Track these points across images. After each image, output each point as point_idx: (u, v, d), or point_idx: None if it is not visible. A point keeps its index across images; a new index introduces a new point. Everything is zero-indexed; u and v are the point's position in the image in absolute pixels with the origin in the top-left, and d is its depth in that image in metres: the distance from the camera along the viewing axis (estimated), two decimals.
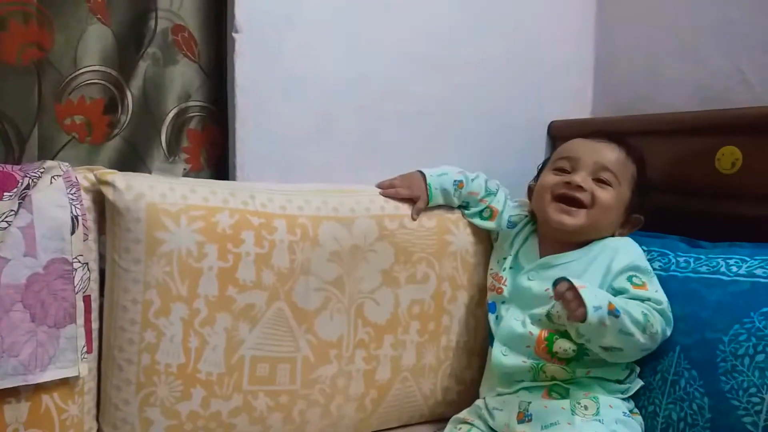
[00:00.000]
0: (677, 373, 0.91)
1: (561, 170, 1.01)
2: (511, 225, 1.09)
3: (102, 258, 0.91)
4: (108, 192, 0.88)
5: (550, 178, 1.02)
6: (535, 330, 0.95)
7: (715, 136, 1.08)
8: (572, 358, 0.93)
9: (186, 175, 1.14)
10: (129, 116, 1.10)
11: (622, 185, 0.99)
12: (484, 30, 1.31)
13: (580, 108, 1.44)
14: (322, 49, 1.17)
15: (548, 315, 0.95)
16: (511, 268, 1.03)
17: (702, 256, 0.98)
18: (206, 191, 0.94)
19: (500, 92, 1.35)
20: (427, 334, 1.09)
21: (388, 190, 1.08)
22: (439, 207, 1.11)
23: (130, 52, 1.10)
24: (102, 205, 0.90)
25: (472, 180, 1.10)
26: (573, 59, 1.43)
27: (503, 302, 1.02)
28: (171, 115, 1.13)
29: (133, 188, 0.88)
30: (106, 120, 1.09)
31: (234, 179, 1.12)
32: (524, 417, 0.92)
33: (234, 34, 1.11)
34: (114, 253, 0.89)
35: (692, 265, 0.98)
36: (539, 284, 0.98)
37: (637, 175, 1.02)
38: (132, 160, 1.10)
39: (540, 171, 1.09)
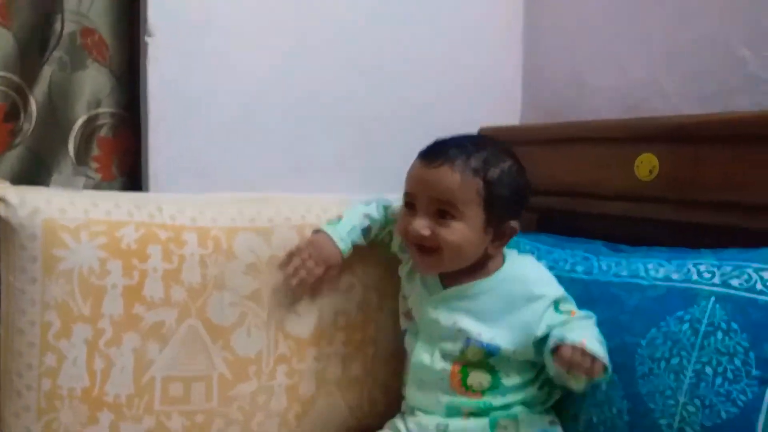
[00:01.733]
0: None
1: (409, 206, 0.93)
2: (403, 250, 1.02)
3: None
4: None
5: (402, 220, 0.94)
6: (447, 365, 0.92)
7: (634, 143, 1.09)
8: (487, 389, 0.91)
9: (97, 185, 1.09)
10: (33, 124, 1.05)
11: (467, 210, 0.88)
12: (412, 34, 1.30)
13: (509, 114, 1.44)
14: (241, 51, 1.14)
15: (461, 352, 0.91)
16: (412, 295, 0.99)
17: (623, 260, 0.98)
18: (109, 204, 0.89)
19: (428, 96, 1.33)
20: (352, 345, 1.06)
21: (299, 271, 0.97)
22: None
23: (33, 57, 1.05)
24: None
25: (375, 218, 1.03)
26: (502, 65, 1.42)
27: (414, 333, 0.97)
28: (80, 122, 1.08)
29: (28, 203, 0.83)
30: (8, 128, 1.03)
31: (148, 189, 1.07)
32: None
33: (147, 38, 1.07)
34: (8, 273, 0.83)
35: (614, 269, 0.98)
36: (447, 317, 0.92)
37: (486, 187, 0.89)
38: (37, 170, 1.05)
39: None
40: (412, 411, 0.95)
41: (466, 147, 0.92)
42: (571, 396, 0.93)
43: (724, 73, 1.09)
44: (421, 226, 0.90)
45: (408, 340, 0.98)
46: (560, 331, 0.85)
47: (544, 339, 0.88)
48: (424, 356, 0.93)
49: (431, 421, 0.92)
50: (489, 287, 0.93)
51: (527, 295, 0.91)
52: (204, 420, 0.94)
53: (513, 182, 0.92)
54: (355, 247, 1.02)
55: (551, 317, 0.89)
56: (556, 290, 0.93)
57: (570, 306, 0.92)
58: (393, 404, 1.08)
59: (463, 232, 0.89)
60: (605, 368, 0.81)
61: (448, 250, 0.90)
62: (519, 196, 0.94)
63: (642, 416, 0.84)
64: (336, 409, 1.05)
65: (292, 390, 1.01)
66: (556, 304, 0.91)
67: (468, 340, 0.91)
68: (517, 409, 0.90)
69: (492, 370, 0.91)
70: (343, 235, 0.99)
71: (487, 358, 0.91)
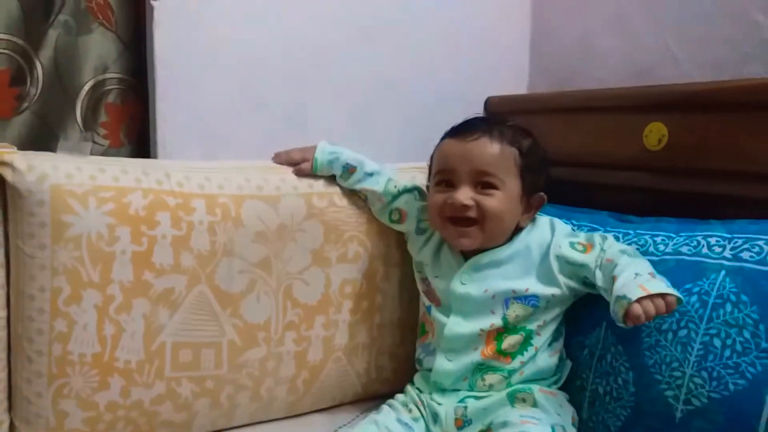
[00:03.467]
0: (604, 348, 0.91)
1: (443, 183, 0.94)
2: (420, 231, 1.03)
3: (7, 242, 0.85)
4: (6, 173, 0.82)
5: (435, 197, 0.94)
6: (484, 333, 0.92)
7: (643, 112, 1.08)
8: (517, 351, 0.91)
9: (105, 152, 1.08)
10: (39, 89, 1.03)
11: (507, 180, 0.91)
12: (419, 1, 1.27)
13: (517, 83, 1.42)
14: (247, 16, 1.11)
15: (503, 317, 0.92)
16: (436, 276, 0.98)
17: (631, 231, 0.98)
18: (117, 170, 0.88)
19: (435, 66, 1.32)
20: (359, 313, 1.07)
21: (280, 154, 1.03)
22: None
23: (38, 20, 1.02)
24: (3, 187, 0.84)
25: (371, 174, 1.03)
26: (510, 34, 1.40)
27: (444, 310, 0.96)
28: (86, 88, 1.07)
29: (35, 169, 0.83)
30: (14, 93, 1.02)
31: (156, 156, 1.07)
32: (463, 423, 0.90)
33: (153, 2, 1.05)
34: (17, 238, 0.83)
35: (621, 240, 0.97)
36: (476, 287, 0.93)
37: (522, 157, 0.93)
38: (45, 136, 1.03)
39: (429, 170, 1.01)
40: (435, 386, 0.94)
41: (494, 123, 0.96)
42: (578, 367, 0.94)
43: (738, 39, 1.06)
44: (465, 196, 0.91)
45: (435, 315, 0.97)
46: (609, 284, 0.85)
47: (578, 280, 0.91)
48: (461, 327, 0.93)
49: (449, 404, 0.91)
50: (509, 248, 0.95)
51: (539, 246, 0.94)
52: (214, 386, 0.95)
53: (540, 153, 0.97)
54: (363, 219, 1.04)
55: (570, 257, 0.91)
56: (561, 232, 0.95)
57: (579, 238, 0.94)
58: (399, 371, 1.10)
59: (503, 201, 0.91)
60: (678, 298, 0.81)
61: (490, 218, 0.91)
62: (545, 168, 0.98)
63: (647, 387, 0.84)
64: (343, 376, 1.06)
65: (300, 356, 1.02)
66: (571, 245, 0.93)
67: (506, 300, 0.91)
68: (534, 386, 0.90)
69: (525, 330, 0.92)
70: (326, 151, 1.02)
71: (527, 316, 0.91)
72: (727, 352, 0.79)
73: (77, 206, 0.84)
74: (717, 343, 0.80)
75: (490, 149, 0.91)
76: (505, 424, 0.83)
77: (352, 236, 1.06)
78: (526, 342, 0.92)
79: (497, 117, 0.99)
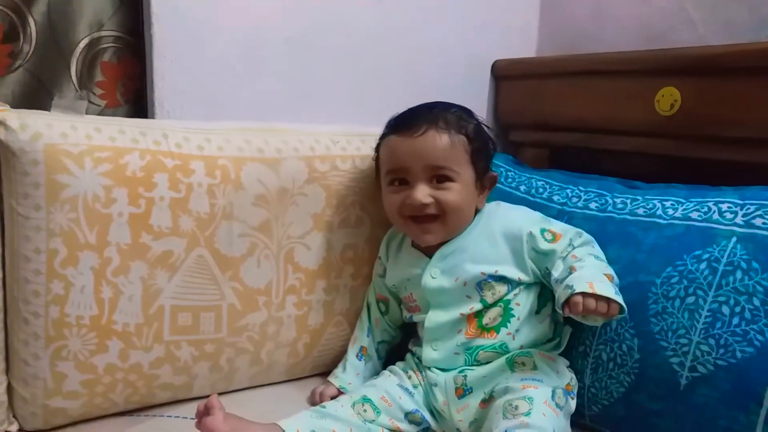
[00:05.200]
0: None
1: (397, 182, 0.92)
2: (383, 274, 1.03)
3: (1, 202, 0.83)
4: None
5: (391, 197, 0.92)
6: (465, 317, 0.90)
7: (655, 76, 1.05)
8: (500, 324, 0.90)
9: (102, 112, 1.06)
10: (33, 46, 1.00)
11: (461, 170, 0.89)
12: None
13: (524, 46, 1.38)
14: None
15: (481, 300, 0.90)
16: (408, 279, 0.96)
17: (639, 197, 0.96)
18: (113, 130, 0.86)
19: (441, 28, 1.28)
20: (360, 278, 1.06)
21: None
22: (373, 148, 1.02)
23: None
24: None
25: (364, 354, 1.01)
26: None
27: (423, 307, 0.95)
28: (81, 45, 1.03)
29: (29, 127, 0.80)
30: (6, 49, 0.99)
31: (153, 117, 1.04)
32: (464, 392, 0.88)
33: None
34: (11, 198, 0.81)
35: (629, 206, 0.95)
36: (447, 278, 0.91)
37: (470, 142, 0.91)
38: (39, 94, 1.01)
39: (376, 168, 0.98)
40: (428, 368, 0.93)
41: (437, 110, 0.92)
42: (581, 333, 0.93)
43: (755, 2, 1.03)
44: (423, 194, 0.89)
45: (417, 317, 0.96)
46: (563, 275, 0.84)
47: (542, 269, 0.90)
48: (440, 317, 0.91)
49: (448, 375, 0.90)
50: (471, 234, 0.93)
51: (504, 230, 0.91)
52: (214, 349, 0.94)
53: (484, 134, 0.95)
54: (366, 184, 1.02)
55: (539, 242, 0.89)
56: (530, 219, 0.93)
57: (551, 226, 0.92)
58: (399, 336, 1.08)
59: (461, 192, 0.90)
60: (621, 307, 0.80)
61: (451, 212, 0.90)
62: (490, 148, 0.96)
63: (653, 354, 0.83)
64: (344, 340, 1.05)
65: (301, 321, 1.01)
66: (542, 231, 0.90)
67: (479, 284, 0.90)
68: (533, 350, 0.89)
69: (503, 300, 0.90)
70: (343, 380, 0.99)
71: (504, 291, 0.90)
72: (736, 320, 0.78)
73: (73, 166, 0.82)
74: (725, 310, 0.79)
75: (440, 142, 0.89)
76: (506, 390, 0.82)
77: (354, 201, 1.04)
78: (507, 314, 0.90)
79: (439, 102, 0.95)
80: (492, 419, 0.79)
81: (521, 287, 0.91)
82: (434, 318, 0.92)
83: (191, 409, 0.93)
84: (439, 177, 0.89)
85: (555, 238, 0.90)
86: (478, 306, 0.90)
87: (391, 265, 1.01)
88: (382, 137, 0.96)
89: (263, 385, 1.02)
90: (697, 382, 0.79)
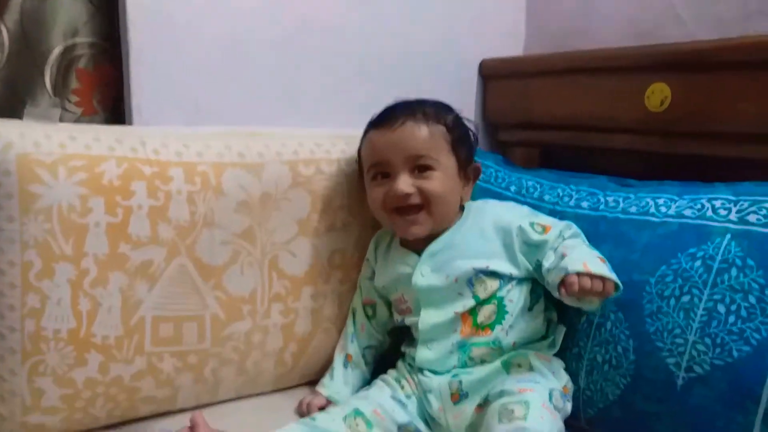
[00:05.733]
0: (603, 316, 0.88)
1: (380, 176, 0.92)
2: (371, 276, 1.01)
3: None
4: None
5: (375, 192, 0.92)
6: (459, 315, 0.89)
7: (645, 72, 1.04)
8: (494, 321, 0.89)
9: (78, 120, 1.03)
10: (5, 54, 0.98)
11: (442, 159, 0.90)
12: None
13: (512, 45, 1.37)
14: None
15: (474, 295, 0.89)
16: (397, 279, 0.94)
17: (631, 195, 0.94)
18: (88, 138, 0.83)
19: (427, 28, 1.26)
20: (349, 283, 1.03)
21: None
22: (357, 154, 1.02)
23: None
24: None
25: (349, 361, 1.00)
26: None
27: (414, 314, 0.93)
28: (56, 53, 1.01)
29: (0, 137, 0.78)
30: None
31: (132, 124, 1.01)
32: (459, 398, 0.86)
33: None
34: None
35: (622, 204, 0.93)
36: (438, 276, 0.90)
37: (449, 132, 0.91)
38: (11, 104, 0.98)
39: (359, 165, 0.99)
40: (420, 371, 0.91)
41: (414, 104, 0.93)
42: (576, 334, 0.91)
43: None
44: (405, 184, 0.88)
45: (409, 320, 0.94)
46: (556, 262, 0.84)
47: (533, 263, 0.89)
48: (434, 317, 0.90)
49: (443, 380, 0.88)
50: (460, 230, 0.92)
51: (493, 225, 0.91)
52: (197, 360, 0.91)
53: (464, 125, 0.95)
54: (352, 187, 1.01)
55: (530, 235, 0.89)
56: (519, 213, 0.93)
57: (540, 219, 0.92)
58: (387, 342, 1.06)
59: (444, 181, 0.90)
60: (617, 285, 0.81)
61: (435, 201, 0.89)
62: (471, 140, 0.96)
63: (648, 355, 0.82)
64: (333, 348, 1.02)
65: (287, 329, 0.98)
66: (531, 225, 0.90)
67: (470, 280, 0.88)
68: (529, 351, 0.87)
69: (496, 297, 0.89)
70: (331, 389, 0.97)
71: (495, 287, 0.89)
72: (732, 318, 0.76)
73: (46, 176, 0.79)
74: (721, 308, 0.77)
75: (419, 132, 0.89)
76: (501, 393, 0.80)
77: (341, 205, 1.01)
78: (501, 311, 0.89)
79: (417, 99, 0.95)
80: (488, 424, 0.77)
81: (513, 283, 0.90)
82: (427, 319, 0.90)
83: (175, 422, 0.91)
84: (420, 167, 0.89)
85: (545, 230, 0.89)
86: (471, 303, 0.88)
87: (380, 266, 0.99)
88: (363, 136, 0.96)
89: (250, 396, 0.99)
90: (693, 383, 0.77)
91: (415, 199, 0.89)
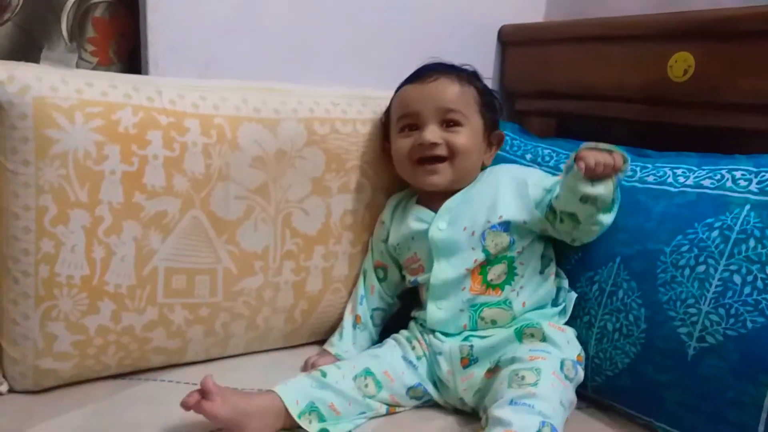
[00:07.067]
0: (615, 284, 0.87)
1: (407, 129, 0.94)
2: (385, 237, 1.01)
3: None
4: None
5: (401, 142, 0.94)
6: (469, 270, 0.89)
7: (668, 41, 1.02)
8: (504, 281, 0.89)
9: (94, 69, 1.02)
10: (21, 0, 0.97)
11: (471, 116, 0.93)
12: None
13: (532, 11, 1.34)
14: None
15: (484, 249, 0.89)
16: (412, 238, 0.95)
17: (649, 165, 0.93)
18: (105, 85, 0.83)
19: None
20: (360, 245, 1.03)
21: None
22: (374, 111, 1.02)
23: None
24: None
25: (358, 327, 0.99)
26: None
27: (426, 271, 0.93)
28: (72, 0, 1.00)
29: (17, 80, 0.77)
30: None
31: (147, 75, 1.00)
32: (469, 362, 0.86)
33: None
34: None
35: (639, 174, 0.92)
36: (454, 229, 0.91)
37: (480, 95, 0.95)
38: (28, 49, 0.97)
39: (384, 126, 1.01)
40: (432, 332, 0.91)
41: (448, 65, 0.97)
42: (586, 303, 0.90)
43: None
44: (434, 134, 0.91)
45: (421, 278, 0.94)
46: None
47: (544, 206, 0.89)
48: (446, 272, 0.90)
49: (454, 343, 0.88)
50: (476, 185, 0.95)
51: (509, 179, 0.93)
52: (208, 314, 0.92)
53: (493, 93, 1.00)
54: (367, 148, 1.01)
55: (544, 181, 0.92)
56: (533, 171, 0.96)
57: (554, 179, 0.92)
58: (396, 305, 1.06)
59: (470, 137, 0.93)
60: (625, 157, 0.82)
61: (460, 154, 0.92)
62: (497, 106, 1.00)
63: (660, 325, 0.81)
64: (342, 307, 1.03)
65: (298, 286, 0.98)
66: (544, 178, 0.93)
67: (483, 234, 0.89)
68: (541, 320, 0.87)
69: (507, 258, 0.89)
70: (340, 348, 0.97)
71: (505, 243, 0.89)
72: (747, 289, 0.75)
73: (63, 121, 0.79)
74: (737, 279, 0.76)
75: (452, 88, 0.93)
76: (513, 360, 0.80)
77: (355, 166, 1.01)
78: (511, 271, 0.90)
79: (449, 63, 0.97)
80: (496, 389, 0.77)
81: (524, 244, 0.90)
82: (439, 274, 0.90)
83: (185, 373, 0.92)
84: (449, 121, 0.92)
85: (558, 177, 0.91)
86: (481, 257, 0.89)
87: (395, 226, 0.99)
88: (395, 93, 0.99)
89: (259, 351, 1.00)
90: (705, 353, 0.77)
91: (442, 150, 0.91)
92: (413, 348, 0.91)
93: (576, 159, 0.80)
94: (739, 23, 0.94)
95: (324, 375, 0.83)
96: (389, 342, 0.93)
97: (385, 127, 1.01)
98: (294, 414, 0.78)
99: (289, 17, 1.09)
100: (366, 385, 0.85)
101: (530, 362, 0.78)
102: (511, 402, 0.72)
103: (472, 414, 0.86)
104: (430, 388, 0.89)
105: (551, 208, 0.88)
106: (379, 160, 1.02)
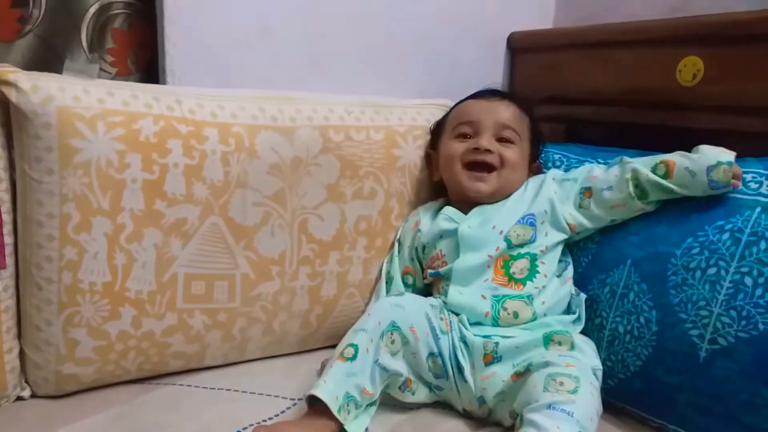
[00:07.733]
0: (626, 287, 0.88)
1: (463, 136, 1.01)
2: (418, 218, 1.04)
3: (13, 167, 0.82)
4: (11, 93, 0.78)
5: (455, 146, 1.01)
6: (492, 260, 0.92)
7: (677, 45, 1.03)
8: (526, 278, 0.91)
9: (113, 79, 1.03)
10: (42, 11, 0.98)
11: (523, 140, 1.01)
12: None
13: (541, 18, 1.36)
14: None
15: (506, 239, 0.93)
16: (440, 236, 0.98)
17: None
18: (126, 94, 0.85)
19: (456, 0, 1.25)
20: (374, 250, 1.04)
21: None
22: (387, 119, 1.05)
23: None
24: (7, 108, 0.80)
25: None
26: None
27: (450, 261, 0.95)
28: (92, 11, 1.02)
29: (41, 90, 0.79)
30: (16, 14, 0.97)
31: (165, 84, 1.02)
32: (492, 359, 0.85)
33: None
34: (23, 162, 0.80)
35: None
36: (484, 228, 0.95)
37: (532, 125, 1.03)
38: (49, 60, 0.99)
39: (434, 134, 1.07)
40: (457, 315, 0.91)
41: (510, 93, 1.07)
42: (597, 305, 0.92)
43: None
44: (488, 140, 0.98)
45: (444, 271, 0.95)
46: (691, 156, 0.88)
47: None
48: (470, 260, 0.93)
49: (479, 332, 0.88)
50: (512, 198, 1.00)
51: (536, 186, 1.00)
52: (227, 318, 0.93)
53: (541, 128, 1.06)
54: (380, 155, 1.03)
55: (563, 176, 1.00)
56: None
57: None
58: None
59: (520, 155, 1.00)
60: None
61: (508, 167, 0.98)
62: (541, 141, 1.07)
63: (672, 327, 0.82)
64: (357, 312, 1.04)
65: (314, 291, 1.00)
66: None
67: (509, 229, 0.94)
68: (571, 328, 0.88)
69: (530, 254, 0.93)
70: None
71: (528, 237, 0.93)
72: (759, 291, 0.76)
73: (85, 130, 0.81)
74: (748, 281, 0.77)
75: (512, 110, 1.01)
76: (547, 364, 0.78)
77: (368, 172, 1.02)
78: (533, 268, 0.92)
79: (509, 92, 1.08)
80: (530, 392, 0.75)
81: (547, 244, 0.93)
82: (464, 262, 0.93)
83: (203, 378, 0.93)
84: (503, 138, 0.99)
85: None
86: (503, 245, 0.93)
87: (424, 224, 1.02)
88: (453, 106, 1.07)
89: (275, 356, 1.01)
90: (716, 355, 0.78)
91: (494, 159, 0.98)
92: (441, 319, 0.89)
93: (735, 177, 0.83)
94: (748, 27, 0.95)
95: (356, 351, 0.82)
96: (419, 299, 0.91)
97: (433, 136, 1.07)
98: (334, 410, 0.77)
99: (302, 28, 1.11)
100: (393, 342, 0.84)
101: (567, 369, 0.76)
102: (549, 406, 0.71)
103: (484, 420, 0.86)
104: (448, 366, 0.86)
105: (637, 185, 0.90)
106: (391, 166, 1.04)
